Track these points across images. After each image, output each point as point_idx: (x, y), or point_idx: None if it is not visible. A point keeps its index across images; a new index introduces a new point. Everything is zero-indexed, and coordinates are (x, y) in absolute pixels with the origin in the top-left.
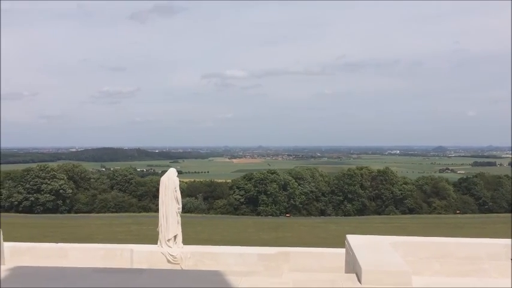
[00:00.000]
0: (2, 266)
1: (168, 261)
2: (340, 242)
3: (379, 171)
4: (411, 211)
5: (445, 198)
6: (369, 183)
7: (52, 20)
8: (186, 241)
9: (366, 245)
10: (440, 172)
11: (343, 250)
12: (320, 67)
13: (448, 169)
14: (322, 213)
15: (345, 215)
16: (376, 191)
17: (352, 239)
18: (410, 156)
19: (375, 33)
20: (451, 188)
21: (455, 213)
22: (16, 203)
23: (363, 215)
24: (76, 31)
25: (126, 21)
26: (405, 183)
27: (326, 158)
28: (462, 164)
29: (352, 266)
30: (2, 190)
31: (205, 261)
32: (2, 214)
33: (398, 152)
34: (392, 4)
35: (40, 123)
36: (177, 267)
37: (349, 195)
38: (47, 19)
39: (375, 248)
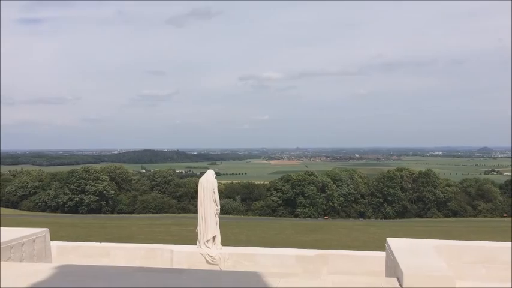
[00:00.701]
0: (49, 264)
1: (207, 261)
2: (381, 245)
3: (420, 172)
4: (455, 214)
5: (491, 200)
6: (410, 185)
7: (93, 27)
8: (224, 242)
9: (407, 248)
10: (485, 174)
11: (383, 253)
12: (356, 67)
13: (494, 171)
14: (362, 215)
15: (385, 218)
16: (418, 193)
17: (393, 242)
18: (453, 157)
19: (412, 32)
20: (498, 190)
21: (502, 216)
22: (62, 203)
23: (404, 217)
24: (116, 37)
25: (164, 25)
26: (448, 185)
27: (365, 160)
28: (508, 166)
29: (393, 270)
30: (49, 191)
31: (243, 262)
32: (49, 214)
33: (440, 153)
34: (430, 2)
35: (83, 126)
36: (216, 268)
37: (389, 198)
38: (88, 26)
39: (416, 251)
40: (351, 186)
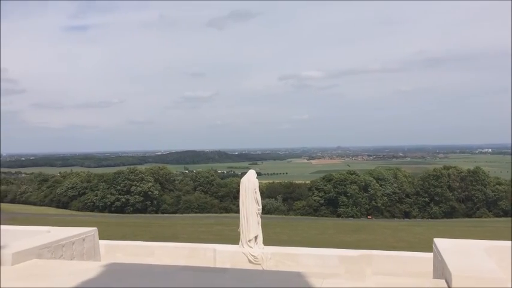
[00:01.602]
0: (98, 262)
1: (250, 261)
2: (427, 246)
3: (468, 171)
4: (506, 214)
5: None
6: (457, 184)
7: (137, 31)
8: (266, 242)
9: (455, 249)
10: None
11: (430, 254)
12: (398, 64)
13: None
14: (407, 215)
15: (431, 218)
16: (466, 193)
17: (441, 242)
18: (504, 154)
19: (457, 26)
20: None
21: None
22: (109, 203)
23: (452, 217)
24: (158, 40)
25: (205, 28)
26: (499, 183)
27: (409, 158)
28: None
29: (441, 271)
30: (97, 191)
31: (285, 262)
32: (97, 214)
33: (490, 150)
34: None
35: (128, 129)
36: (258, 267)
37: (436, 197)
38: (132, 30)
39: (465, 252)
40: (395, 185)
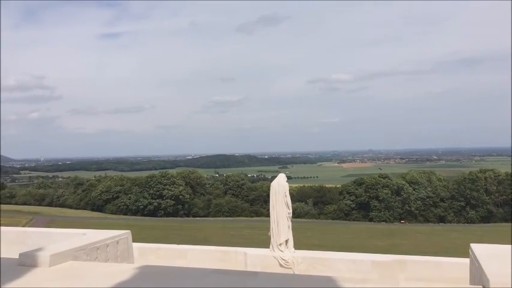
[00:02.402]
0: (132, 265)
1: (280, 265)
2: (463, 252)
3: (506, 174)
4: None
5: None
6: (495, 188)
7: (168, 38)
8: (297, 246)
9: (494, 255)
10: None
11: (466, 260)
12: (430, 65)
13: None
14: (442, 220)
15: (467, 223)
16: (504, 197)
17: (478, 248)
18: None
19: (493, 25)
20: None
21: None
22: (142, 207)
23: (489, 222)
24: (188, 46)
25: (234, 33)
26: None
27: (443, 161)
28: None
29: (478, 277)
30: (130, 195)
31: (316, 266)
32: (131, 217)
33: None
34: None
35: (159, 133)
36: (289, 271)
37: (472, 201)
38: (163, 37)
39: (504, 258)
40: (429, 189)
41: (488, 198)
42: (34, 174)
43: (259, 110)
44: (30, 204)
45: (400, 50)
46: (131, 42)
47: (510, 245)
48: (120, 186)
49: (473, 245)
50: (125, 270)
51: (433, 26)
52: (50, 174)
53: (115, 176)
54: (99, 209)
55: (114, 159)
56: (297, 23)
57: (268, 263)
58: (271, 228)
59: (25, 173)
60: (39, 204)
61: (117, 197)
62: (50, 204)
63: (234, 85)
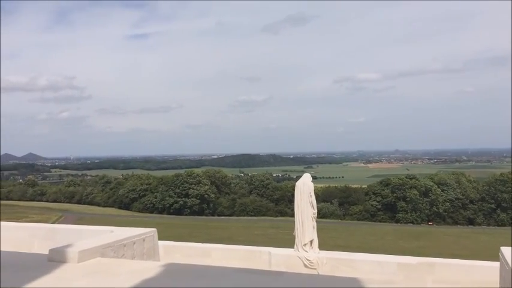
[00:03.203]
0: (158, 262)
1: (305, 265)
2: (493, 255)
3: None
4: None
5: None
6: None
7: (195, 38)
8: (322, 246)
9: None
10: None
11: (496, 263)
12: (461, 63)
13: None
14: (471, 222)
15: (498, 225)
16: None
17: (508, 251)
18: None
19: None
20: None
21: None
22: (168, 205)
23: None
24: (215, 46)
25: (260, 33)
26: None
27: (473, 162)
28: None
29: (509, 281)
30: (156, 194)
31: (341, 267)
32: (157, 215)
33: None
34: None
35: (186, 132)
36: (314, 272)
37: (503, 203)
38: (190, 38)
39: None
40: (458, 190)
41: None
42: (64, 172)
43: (285, 109)
44: (60, 202)
45: (429, 48)
46: (159, 43)
47: None
48: (147, 184)
49: (503, 248)
50: (150, 268)
51: (463, 23)
52: (79, 173)
53: (142, 174)
54: (126, 207)
55: (142, 158)
56: (323, 23)
57: (293, 263)
58: (295, 228)
59: (55, 171)
60: (69, 202)
61: (144, 195)
62: (79, 202)
63: (260, 85)
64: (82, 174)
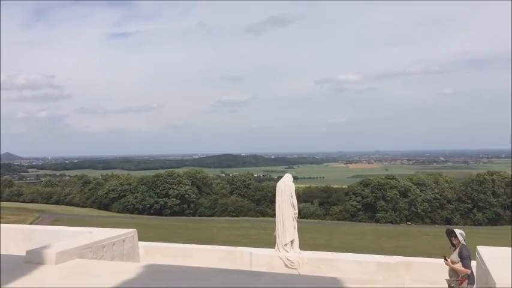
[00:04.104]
0: (138, 263)
1: (286, 265)
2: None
3: None
4: None
5: None
6: (502, 190)
7: (177, 38)
8: (303, 246)
9: (500, 258)
10: None
11: (473, 263)
12: (440, 66)
13: None
14: (448, 222)
15: (474, 225)
16: None
17: (484, 251)
18: None
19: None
20: None
21: None
22: (148, 206)
23: (496, 225)
24: (197, 46)
25: (243, 34)
26: None
27: (451, 163)
28: None
29: (485, 280)
30: (136, 194)
31: (322, 267)
32: (137, 216)
33: None
34: None
35: (167, 132)
36: (295, 272)
37: (480, 203)
38: (172, 38)
39: (511, 261)
40: (436, 191)
41: (495, 200)
42: (41, 172)
43: (267, 110)
44: (37, 202)
45: (409, 50)
46: (140, 42)
47: None
48: (127, 185)
49: (480, 248)
50: (130, 269)
51: (443, 26)
52: (57, 173)
53: (121, 174)
54: (105, 207)
55: (121, 158)
56: (305, 24)
57: (274, 263)
58: (276, 228)
59: (32, 171)
60: (46, 203)
61: (124, 196)
62: (56, 203)
63: (242, 85)
64: (60, 175)
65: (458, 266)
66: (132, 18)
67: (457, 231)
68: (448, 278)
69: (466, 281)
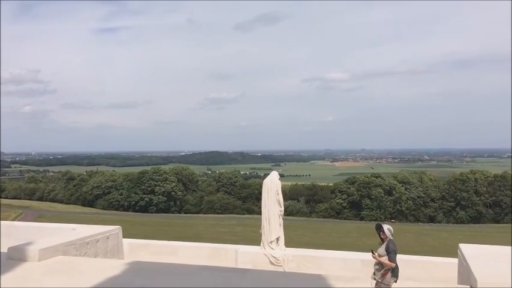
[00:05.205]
0: (122, 260)
1: (271, 262)
2: (452, 252)
3: (496, 176)
4: None
5: None
6: (485, 189)
7: (165, 35)
8: (288, 244)
9: (482, 255)
10: None
11: (455, 260)
12: (426, 66)
13: None
14: (432, 219)
15: (457, 223)
16: (494, 198)
17: (466, 248)
18: None
19: (488, 27)
20: None
21: None
22: (133, 202)
23: (479, 223)
24: (186, 43)
25: (232, 31)
26: None
27: (435, 162)
28: None
29: (466, 277)
30: (122, 191)
31: (307, 264)
32: (122, 212)
33: None
34: None
35: (154, 129)
36: (280, 269)
37: (462, 202)
38: (161, 34)
39: (492, 259)
40: (420, 189)
41: (478, 199)
42: (25, 168)
43: (255, 107)
44: (20, 198)
45: (397, 50)
46: (129, 38)
47: (498, 246)
48: (112, 181)
49: (462, 245)
50: (114, 266)
51: (430, 26)
52: (41, 169)
53: (106, 171)
54: (90, 204)
55: (107, 154)
56: (294, 23)
57: (259, 260)
58: (262, 225)
59: (16, 167)
60: (30, 199)
61: (109, 193)
62: (40, 199)
63: (231, 82)
64: (44, 171)
65: (385, 259)
66: (121, 13)
67: (385, 226)
68: (373, 272)
69: (390, 273)
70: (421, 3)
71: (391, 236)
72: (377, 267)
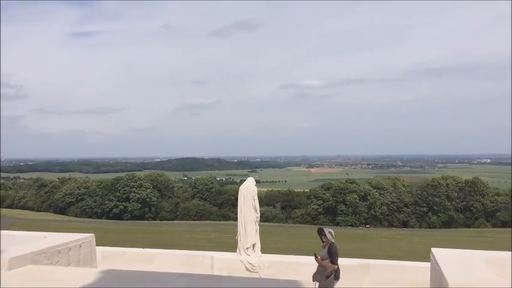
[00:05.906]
0: (95, 269)
1: (247, 269)
2: (425, 256)
3: (467, 181)
4: (504, 225)
5: None
6: (456, 194)
7: (139, 39)
8: (264, 250)
9: (453, 259)
10: None
11: (427, 264)
12: (399, 74)
13: None
14: (405, 224)
15: (429, 227)
16: (465, 203)
17: (438, 252)
18: (503, 165)
19: (460, 37)
20: None
21: None
22: (107, 210)
23: (450, 227)
24: (162, 48)
25: (208, 38)
26: (497, 194)
27: (408, 167)
28: None
29: (438, 280)
30: (95, 197)
31: (283, 270)
32: (95, 220)
33: (489, 160)
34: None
35: (129, 135)
36: (256, 275)
37: (434, 207)
38: (136, 39)
39: (463, 262)
40: (394, 194)
41: (449, 204)
42: None
43: (231, 113)
44: None
45: (371, 58)
46: (103, 42)
47: (469, 250)
48: (85, 188)
49: (434, 249)
50: (87, 275)
51: (403, 35)
52: (11, 175)
53: (79, 177)
54: (62, 211)
55: (80, 161)
56: (271, 30)
57: (235, 267)
58: (238, 232)
59: None
60: (0, 207)
61: (82, 200)
62: (10, 206)
63: (207, 88)
64: (14, 177)
65: (327, 262)
66: (94, 17)
67: (326, 230)
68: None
69: (332, 276)
70: (396, 11)
71: (332, 239)
72: (320, 269)
